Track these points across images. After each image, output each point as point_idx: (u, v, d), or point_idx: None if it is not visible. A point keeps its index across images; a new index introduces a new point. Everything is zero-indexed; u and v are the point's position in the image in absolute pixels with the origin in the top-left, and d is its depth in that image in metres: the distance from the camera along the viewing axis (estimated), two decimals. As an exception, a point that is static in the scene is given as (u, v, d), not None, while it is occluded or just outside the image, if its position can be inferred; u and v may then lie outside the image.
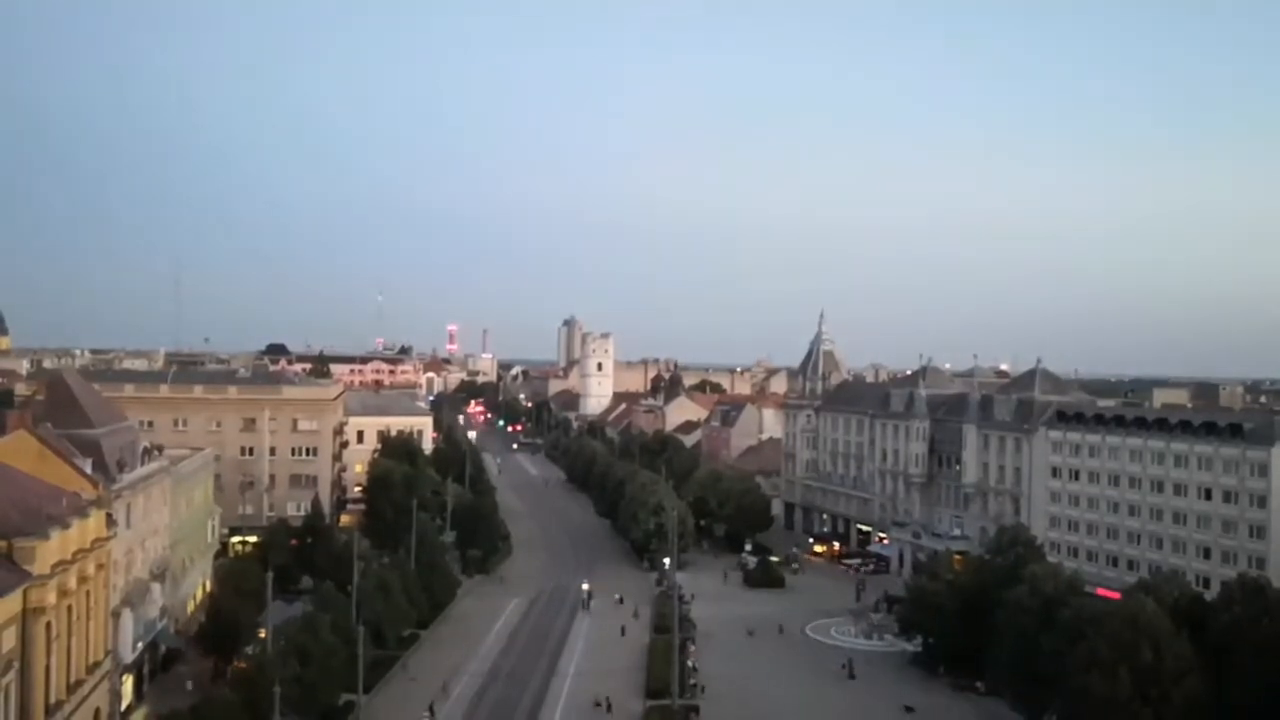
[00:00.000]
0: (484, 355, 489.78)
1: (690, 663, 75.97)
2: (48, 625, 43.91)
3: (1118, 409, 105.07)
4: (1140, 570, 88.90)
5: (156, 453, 76.95)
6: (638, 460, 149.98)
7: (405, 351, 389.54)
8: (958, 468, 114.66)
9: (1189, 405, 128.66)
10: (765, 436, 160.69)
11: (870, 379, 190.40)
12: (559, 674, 76.30)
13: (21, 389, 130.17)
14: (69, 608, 46.90)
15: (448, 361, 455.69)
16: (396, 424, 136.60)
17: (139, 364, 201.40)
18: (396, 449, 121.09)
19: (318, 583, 78.35)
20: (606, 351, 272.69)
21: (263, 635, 65.67)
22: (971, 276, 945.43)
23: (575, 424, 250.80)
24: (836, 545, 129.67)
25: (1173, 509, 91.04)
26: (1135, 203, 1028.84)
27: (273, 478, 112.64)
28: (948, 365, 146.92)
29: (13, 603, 41.04)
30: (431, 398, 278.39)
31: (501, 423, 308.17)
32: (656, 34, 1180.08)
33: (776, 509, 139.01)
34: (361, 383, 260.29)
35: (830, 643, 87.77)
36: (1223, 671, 58.29)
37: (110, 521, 55.28)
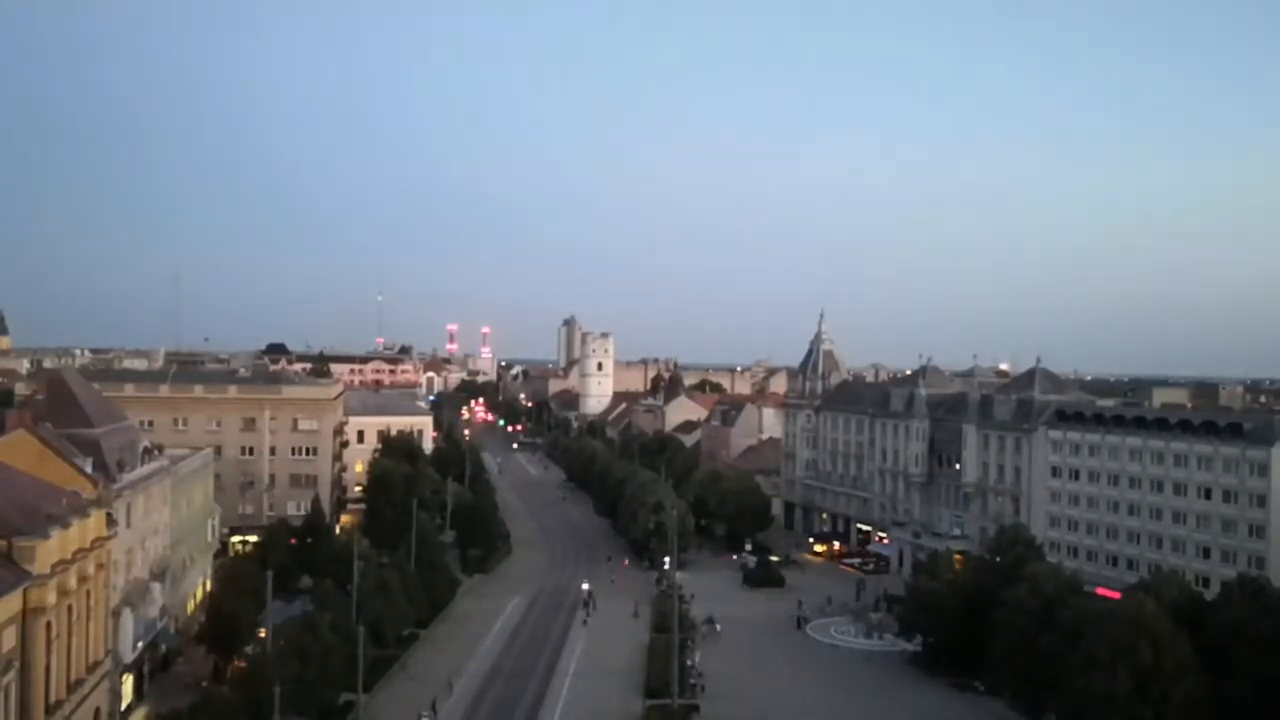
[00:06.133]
0: (484, 355, 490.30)
1: (690, 662, 76.01)
2: (48, 625, 43.92)
3: (1118, 409, 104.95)
4: (1140, 570, 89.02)
5: (156, 452, 77.05)
6: (637, 460, 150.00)
7: (405, 351, 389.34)
8: (957, 467, 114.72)
9: (1189, 405, 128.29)
10: (765, 436, 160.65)
11: (870, 379, 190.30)
12: (558, 673, 76.40)
13: (21, 389, 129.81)
14: (69, 607, 46.89)
15: (448, 361, 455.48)
16: (396, 424, 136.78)
17: (139, 364, 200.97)
18: (396, 449, 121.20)
19: (317, 582, 78.54)
20: (606, 351, 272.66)
21: (262, 635, 65.74)
22: (972, 276, 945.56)
23: (575, 424, 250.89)
24: (836, 545, 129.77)
25: (1172, 508, 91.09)
26: (1135, 203, 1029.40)
27: (273, 477, 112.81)
28: (948, 365, 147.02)
29: (13, 602, 41.06)
30: (431, 397, 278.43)
31: (502, 423, 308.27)
32: (654, 31, 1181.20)
33: (776, 509, 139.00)
34: (361, 382, 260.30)
35: (830, 642, 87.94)
36: (1222, 671, 58.31)
37: (110, 521, 55.27)
